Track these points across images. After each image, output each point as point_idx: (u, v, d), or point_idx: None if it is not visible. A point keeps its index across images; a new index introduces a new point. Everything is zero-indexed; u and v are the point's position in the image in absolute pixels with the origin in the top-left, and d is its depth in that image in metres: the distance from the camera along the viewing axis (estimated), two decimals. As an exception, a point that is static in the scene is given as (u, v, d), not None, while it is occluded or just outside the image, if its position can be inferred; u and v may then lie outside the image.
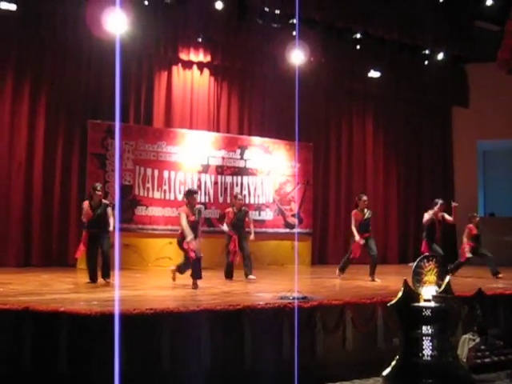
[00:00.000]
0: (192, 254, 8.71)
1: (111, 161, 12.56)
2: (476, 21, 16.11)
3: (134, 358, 5.43)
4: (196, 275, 8.79)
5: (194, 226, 8.95)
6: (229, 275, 10.28)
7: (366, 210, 10.80)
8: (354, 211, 10.91)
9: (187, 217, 8.96)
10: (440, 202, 11.36)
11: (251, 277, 10.21)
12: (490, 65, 13.42)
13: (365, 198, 10.93)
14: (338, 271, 10.89)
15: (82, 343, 5.54)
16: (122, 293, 7.73)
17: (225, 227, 10.43)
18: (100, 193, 9.51)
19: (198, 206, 9.35)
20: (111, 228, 9.28)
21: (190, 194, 9.26)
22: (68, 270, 11.44)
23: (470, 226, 11.87)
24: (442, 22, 15.61)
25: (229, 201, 13.50)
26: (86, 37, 12.23)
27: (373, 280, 10.44)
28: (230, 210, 10.66)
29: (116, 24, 11.01)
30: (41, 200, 12.36)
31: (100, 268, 9.32)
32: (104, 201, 9.60)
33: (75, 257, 9.93)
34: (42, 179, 12.41)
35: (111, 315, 5.54)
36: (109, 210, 9.45)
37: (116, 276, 9.16)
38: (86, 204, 9.43)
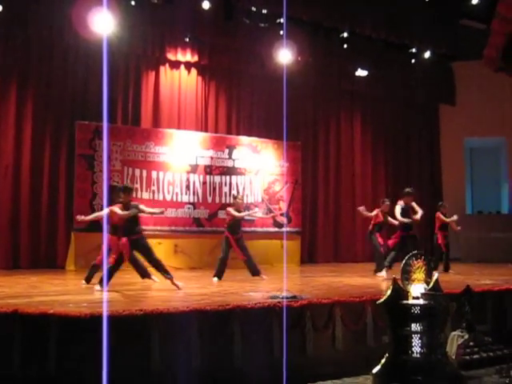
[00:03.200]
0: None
1: (99, 162, 12.53)
2: (462, 19, 16.18)
3: (123, 359, 5.42)
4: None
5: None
6: (218, 275, 10.14)
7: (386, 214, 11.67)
8: (377, 210, 11.71)
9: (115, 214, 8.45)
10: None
11: (264, 276, 10.22)
12: (477, 63, 13.51)
13: (388, 202, 11.91)
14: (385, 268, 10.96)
15: (71, 345, 5.52)
16: (110, 294, 7.72)
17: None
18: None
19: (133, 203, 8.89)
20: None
21: (126, 191, 8.72)
22: (57, 272, 11.40)
23: (438, 214, 12.33)
24: (429, 20, 15.68)
25: (217, 201, 13.54)
26: (72, 37, 12.20)
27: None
28: (230, 209, 10.55)
29: (103, 24, 10.97)
30: (29, 202, 12.29)
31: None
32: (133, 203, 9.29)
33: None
34: (30, 181, 12.34)
35: (101, 317, 5.53)
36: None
37: (104, 278, 9.12)
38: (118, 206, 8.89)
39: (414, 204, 11.11)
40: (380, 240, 11.50)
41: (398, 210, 10.98)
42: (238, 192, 14.00)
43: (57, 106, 12.69)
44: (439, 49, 16.26)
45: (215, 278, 10.05)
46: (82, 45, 12.24)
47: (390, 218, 11.47)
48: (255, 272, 10.30)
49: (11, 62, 12.34)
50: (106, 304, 5.99)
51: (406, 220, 10.84)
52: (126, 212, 8.43)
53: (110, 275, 8.40)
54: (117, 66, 12.93)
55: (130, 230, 8.41)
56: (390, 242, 11.23)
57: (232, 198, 10.98)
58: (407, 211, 10.96)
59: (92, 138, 12.51)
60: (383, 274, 10.72)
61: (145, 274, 9.13)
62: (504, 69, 12.89)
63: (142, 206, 8.84)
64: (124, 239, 8.34)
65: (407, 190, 11.27)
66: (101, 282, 8.42)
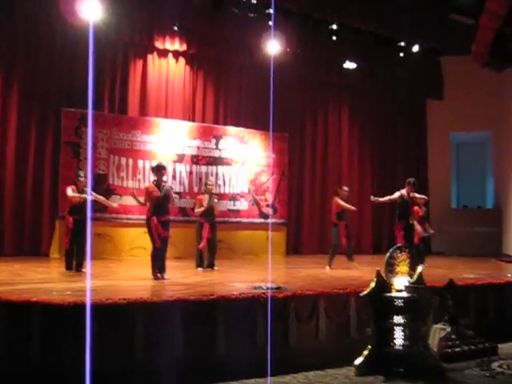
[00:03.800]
0: (157, 239, 8.47)
1: (85, 149, 12.47)
2: (451, 14, 16.21)
3: (107, 348, 5.41)
4: (157, 265, 8.53)
5: (160, 202, 8.58)
6: (201, 263, 10.23)
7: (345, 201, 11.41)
8: (336, 198, 11.43)
9: (151, 193, 8.58)
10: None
11: (216, 268, 10.21)
12: (465, 58, 13.56)
13: (347, 188, 11.73)
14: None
15: (54, 333, 5.49)
16: (95, 283, 7.69)
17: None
18: (83, 179, 9.40)
19: (168, 184, 9.15)
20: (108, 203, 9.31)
21: (157, 169, 8.86)
22: (41, 260, 11.35)
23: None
24: (418, 14, 15.70)
25: (203, 190, 13.51)
26: (60, 24, 12.10)
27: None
28: (202, 196, 10.62)
29: (90, 11, 10.89)
30: (13, 189, 12.20)
31: (75, 257, 9.23)
32: (86, 189, 9.47)
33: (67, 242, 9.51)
34: (15, 168, 12.25)
35: (84, 305, 5.51)
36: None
37: (88, 266, 9.09)
38: (72, 188, 9.33)
39: (415, 194, 11.13)
40: (342, 230, 11.30)
41: (396, 194, 11.04)
42: (223, 182, 14.06)
43: (43, 93, 12.58)
44: (427, 43, 16.29)
45: (199, 268, 10.11)
46: (70, 31, 12.12)
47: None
48: (211, 264, 10.32)
49: (-3, 48, 12.22)
50: (89, 293, 5.94)
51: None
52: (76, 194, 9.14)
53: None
54: (104, 53, 12.83)
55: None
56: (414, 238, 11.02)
57: (205, 187, 10.99)
58: (406, 201, 10.91)
59: (78, 126, 12.43)
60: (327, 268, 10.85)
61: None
62: (491, 64, 12.95)
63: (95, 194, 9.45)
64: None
65: (408, 179, 11.24)
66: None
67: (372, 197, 11.20)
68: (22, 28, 12.33)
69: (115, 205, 10.30)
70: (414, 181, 11.11)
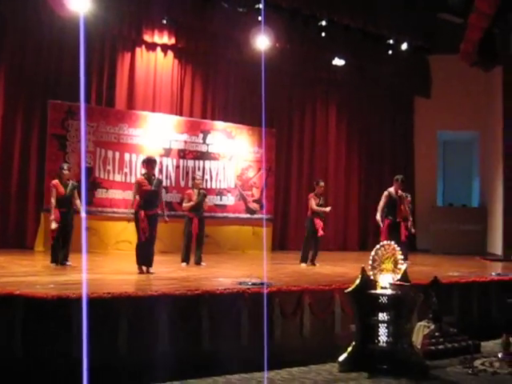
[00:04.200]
0: (142, 234, 8.42)
1: (71, 142, 12.39)
2: (439, 13, 16.26)
3: (91, 342, 5.37)
4: (142, 259, 8.50)
5: (151, 195, 8.58)
6: (187, 259, 10.20)
7: (321, 197, 11.20)
8: (311, 194, 11.23)
9: (142, 186, 8.57)
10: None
11: (203, 264, 10.17)
12: (453, 57, 13.63)
13: (322, 183, 11.38)
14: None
15: (38, 327, 5.46)
16: (80, 276, 7.65)
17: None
18: (67, 172, 9.34)
19: (157, 177, 9.09)
20: (80, 209, 9.16)
21: (148, 162, 8.85)
22: (25, 253, 11.29)
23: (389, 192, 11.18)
24: (407, 12, 15.74)
25: (190, 185, 13.45)
26: (47, 15, 12.01)
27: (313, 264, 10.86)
28: (190, 191, 10.59)
29: (79, 2, 10.79)
30: (-2, 180, 12.13)
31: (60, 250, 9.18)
32: (72, 181, 9.43)
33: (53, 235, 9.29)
34: (0, 160, 12.15)
35: (68, 299, 5.49)
36: (75, 191, 9.34)
37: (83, 259, 8.99)
38: (55, 182, 9.29)
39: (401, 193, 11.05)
40: (318, 226, 10.99)
41: (383, 196, 10.97)
42: (210, 177, 14.05)
43: (29, 84, 12.48)
44: (416, 41, 16.32)
45: (184, 263, 10.10)
46: (57, 23, 12.04)
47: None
48: (199, 260, 10.28)
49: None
50: (85, 286, 5.87)
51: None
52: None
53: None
54: (92, 45, 12.75)
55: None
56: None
57: (193, 182, 10.94)
58: (394, 200, 10.87)
59: (65, 118, 12.36)
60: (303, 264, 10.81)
61: None
62: (479, 63, 13.02)
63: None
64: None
65: (396, 176, 11.19)
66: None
67: (379, 219, 10.84)
68: (10, 19, 12.22)
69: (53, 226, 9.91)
70: (401, 178, 11.11)
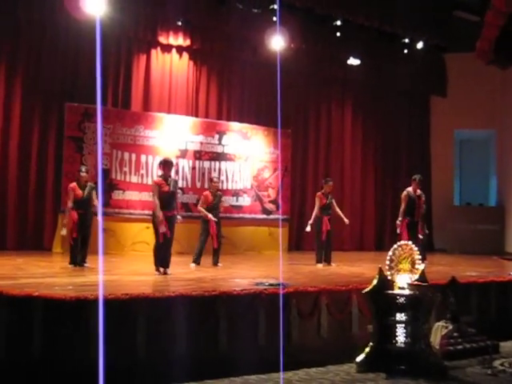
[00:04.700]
0: (160, 235, 8.45)
1: (88, 144, 12.46)
2: (455, 11, 16.16)
3: (108, 344, 5.40)
4: (160, 261, 8.53)
5: (169, 197, 8.61)
6: (198, 261, 10.15)
7: (329, 195, 11.13)
8: (319, 193, 11.23)
9: (160, 187, 8.60)
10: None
11: (220, 264, 10.19)
12: (469, 55, 13.51)
13: (331, 182, 11.34)
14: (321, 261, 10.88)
15: (56, 328, 5.50)
16: (97, 278, 7.70)
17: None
18: (85, 174, 9.42)
19: (174, 178, 9.12)
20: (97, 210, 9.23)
21: (165, 164, 8.85)
22: (43, 254, 11.37)
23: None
24: (422, 10, 15.65)
25: (206, 186, 13.48)
26: (63, 18, 12.07)
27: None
28: (207, 193, 10.61)
29: (95, 5, 10.86)
30: (16, 183, 12.23)
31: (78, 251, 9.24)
32: (90, 183, 9.50)
33: (73, 237, 9.31)
34: (18, 162, 12.27)
35: (86, 300, 5.52)
36: (94, 192, 9.40)
37: (100, 261, 9.06)
38: (73, 185, 9.38)
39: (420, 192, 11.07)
40: (325, 226, 10.95)
41: (403, 197, 10.97)
42: (226, 178, 14.08)
43: (46, 87, 12.58)
44: (432, 40, 16.23)
45: (193, 264, 10.10)
46: (73, 26, 12.12)
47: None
48: (217, 261, 10.29)
49: (1, 43, 12.22)
50: (101, 287, 5.91)
51: None
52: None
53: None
54: (108, 48, 12.80)
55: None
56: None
57: (217, 182, 10.94)
58: (413, 199, 10.89)
59: (81, 120, 12.44)
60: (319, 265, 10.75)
61: None
62: (496, 62, 12.91)
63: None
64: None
65: (414, 176, 11.18)
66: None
67: (398, 224, 10.83)
68: (26, 22, 12.33)
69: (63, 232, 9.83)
70: (419, 177, 11.11)
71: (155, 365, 5.69)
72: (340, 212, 11.27)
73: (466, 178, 17.94)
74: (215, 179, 11.07)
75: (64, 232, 9.36)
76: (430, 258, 11.94)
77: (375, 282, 6.20)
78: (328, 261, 10.88)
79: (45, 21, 12.41)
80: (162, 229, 8.37)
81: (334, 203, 11.25)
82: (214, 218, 10.21)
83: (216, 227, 10.26)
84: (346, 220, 11.25)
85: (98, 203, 9.33)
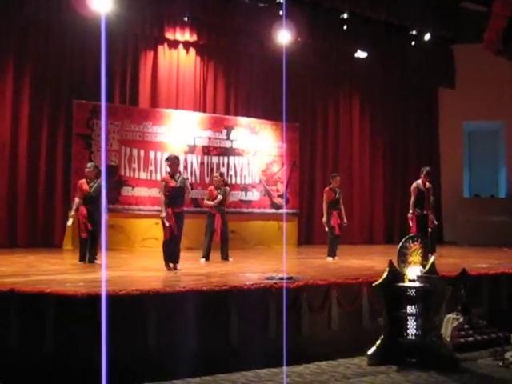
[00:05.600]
0: (167, 230, 8.46)
1: (97, 141, 12.49)
2: (463, 2, 16.08)
3: (120, 339, 5.43)
4: (169, 256, 8.55)
5: (176, 192, 8.57)
6: (207, 255, 10.18)
7: (337, 190, 11.05)
8: (327, 188, 11.19)
9: (167, 183, 8.60)
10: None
11: (230, 259, 10.21)
12: (477, 46, 13.44)
13: (338, 177, 11.28)
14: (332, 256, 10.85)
15: (68, 324, 5.53)
16: (107, 273, 7.73)
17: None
18: (90, 170, 9.45)
19: (184, 175, 9.14)
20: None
21: (169, 160, 8.85)
22: (54, 251, 11.43)
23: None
24: (429, 2, 15.58)
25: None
26: (70, 15, 12.08)
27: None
28: (211, 188, 10.64)
29: (101, 3, 10.87)
30: (26, 180, 12.30)
31: (88, 248, 9.26)
32: (98, 180, 9.51)
33: (83, 236, 9.34)
34: (27, 159, 12.34)
35: (98, 296, 5.54)
36: (102, 188, 9.44)
37: (103, 256, 9.10)
38: (82, 181, 9.45)
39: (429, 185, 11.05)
40: (334, 221, 10.86)
41: (412, 190, 10.96)
42: (235, 173, 14.07)
43: (54, 84, 12.65)
44: (439, 31, 16.15)
45: (203, 259, 10.13)
46: (80, 23, 12.12)
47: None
48: (226, 256, 10.29)
49: (8, 41, 12.27)
50: (105, 283, 5.96)
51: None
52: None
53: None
54: (115, 44, 12.85)
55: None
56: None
57: (218, 177, 10.93)
58: (422, 192, 10.86)
59: (90, 117, 12.46)
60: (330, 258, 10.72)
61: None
62: (504, 52, 12.84)
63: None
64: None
65: (422, 168, 11.13)
66: None
67: (410, 217, 10.82)
68: (33, 20, 12.36)
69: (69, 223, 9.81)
70: (428, 170, 11.08)
71: (167, 360, 5.71)
72: (343, 209, 11.19)
73: (475, 169, 17.87)
74: (215, 174, 11.16)
75: (70, 222, 9.42)
76: (440, 250, 11.90)
77: (385, 274, 6.20)
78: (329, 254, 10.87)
79: (52, 19, 12.44)
80: (167, 223, 8.39)
81: (341, 199, 11.18)
82: (211, 203, 10.27)
83: (221, 221, 10.28)
84: (345, 220, 11.14)
85: (103, 199, 9.32)
